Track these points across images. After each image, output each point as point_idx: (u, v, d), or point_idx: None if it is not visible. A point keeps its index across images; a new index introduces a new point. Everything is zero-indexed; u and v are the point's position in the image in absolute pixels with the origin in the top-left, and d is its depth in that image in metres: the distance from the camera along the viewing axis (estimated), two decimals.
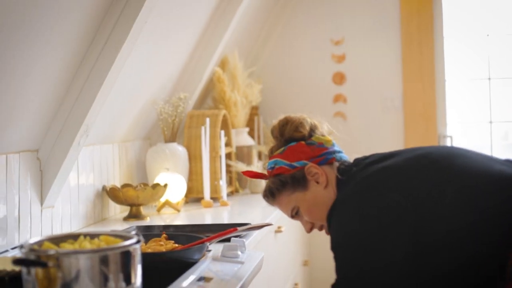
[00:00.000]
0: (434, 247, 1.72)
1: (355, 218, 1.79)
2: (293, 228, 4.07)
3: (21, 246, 1.57)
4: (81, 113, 2.44)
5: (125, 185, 3.00)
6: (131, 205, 3.00)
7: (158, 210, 3.21)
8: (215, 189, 3.52)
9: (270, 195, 2.03)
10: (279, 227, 3.34)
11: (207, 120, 3.43)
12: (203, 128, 3.39)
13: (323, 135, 2.05)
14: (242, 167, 3.82)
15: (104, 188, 3.01)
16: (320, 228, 2.06)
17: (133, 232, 1.67)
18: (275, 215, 3.17)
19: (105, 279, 1.53)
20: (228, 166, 3.82)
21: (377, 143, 4.72)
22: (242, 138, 4.11)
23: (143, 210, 3.06)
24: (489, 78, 4.82)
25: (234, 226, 2.28)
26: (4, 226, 2.26)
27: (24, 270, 1.55)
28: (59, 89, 2.37)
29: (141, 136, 3.52)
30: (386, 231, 1.74)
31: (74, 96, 2.43)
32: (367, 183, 1.83)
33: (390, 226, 1.74)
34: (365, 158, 1.99)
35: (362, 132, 4.83)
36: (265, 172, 2.08)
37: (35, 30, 2.00)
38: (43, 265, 1.50)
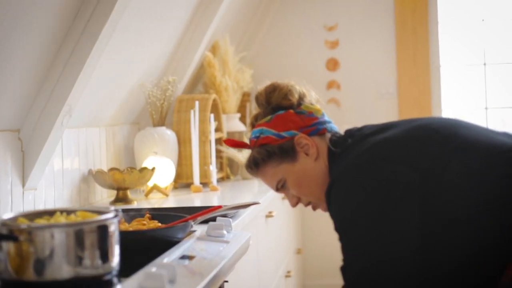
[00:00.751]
0: (443, 220, 1.63)
1: (360, 192, 1.68)
2: (285, 215, 4.01)
3: None
4: (63, 92, 2.37)
5: (112, 169, 2.93)
6: (117, 189, 2.93)
7: (146, 195, 3.14)
8: (205, 174, 3.45)
9: (254, 165, 1.92)
10: (270, 212, 3.28)
11: (197, 103, 3.36)
12: (192, 111, 3.33)
13: (312, 104, 1.94)
14: (233, 152, 3.75)
15: (90, 172, 2.94)
16: (307, 204, 1.96)
17: (112, 208, 1.60)
18: (265, 199, 3.11)
19: (80, 256, 1.46)
20: (219, 151, 3.76)
21: None
22: (234, 123, 4.04)
23: (130, 194, 3.00)
24: (485, 64, 4.76)
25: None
26: None
27: None
28: (41, 66, 2.30)
29: (129, 121, 3.45)
30: (395, 204, 1.64)
31: (57, 74, 2.36)
32: (370, 155, 1.72)
33: (399, 199, 1.64)
34: (359, 129, 1.90)
35: (356, 118, 4.76)
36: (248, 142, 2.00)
37: (14, 5, 1.93)
38: (14, 239, 1.43)
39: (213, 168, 3.43)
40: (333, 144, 1.85)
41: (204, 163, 3.44)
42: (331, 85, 4.80)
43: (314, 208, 1.95)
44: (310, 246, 4.82)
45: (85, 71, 2.37)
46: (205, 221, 2.07)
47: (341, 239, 1.72)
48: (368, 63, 4.75)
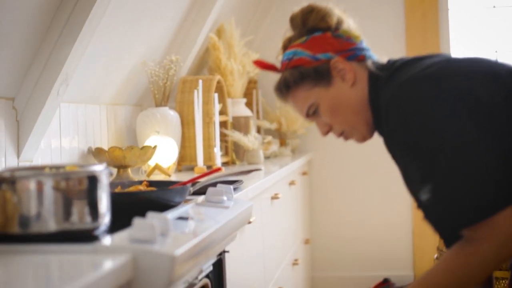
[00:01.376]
0: None
1: (438, 99, 1.54)
2: (292, 202, 3.92)
3: None
4: (59, 59, 2.29)
5: (112, 146, 2.85)
6: (118, 166, 2.84)
7: (148, 175, 3.04)
8: (209, 157, 3.36)
9: (285, 88, 1.80)
10: (275, 194, 3.18)
11: (200, 82, 3.27)
12: (195, 91, 3.24)
13: (350, 30, 1.81)
14: (239, 136, 3.66)
15: (89, 149, 2.86)
16: (339, 134, 1.81)
17: (104, 165, 1.51)
18: (270, 180, 3.02)
19: (68, 210, 1.37)
20: (224, 135, 3.67)
21: None
22: (239, 108, 3.95)
23: (132, 173, 2.91)
24: (496, 51, 4.66)
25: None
26: None
27: None
28: (36, 32, 2.22)
29: (132, 102, 3.36)
30: (476, 113, 1.51)
31: (53, 40, 2.28)
32: (439, 69, 1.59)
33: (477, 110, 1.52)
34: (400, 59, 1.77)
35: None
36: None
37: None
38: None
39: (217, 150, 3.33)
40: (379, 68, 1.73)
41: (208, 145, 3.35)
42: None
43: (347, 138, 1.80)
44: (319, 237, 4.73)
45: (82, 38, 2.29)
46: (206, 188, 1.98)
47: (416, 146, 1.56)
48: (377, 48, 4.60)
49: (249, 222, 2.39)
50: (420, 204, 1.60)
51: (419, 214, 1.67)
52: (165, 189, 1.80)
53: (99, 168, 1.43)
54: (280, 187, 3.38)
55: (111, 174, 1.51)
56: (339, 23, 1.81)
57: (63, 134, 2.66)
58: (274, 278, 3.13)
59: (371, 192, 4.73)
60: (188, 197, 1.95)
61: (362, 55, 1.76)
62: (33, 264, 1.24)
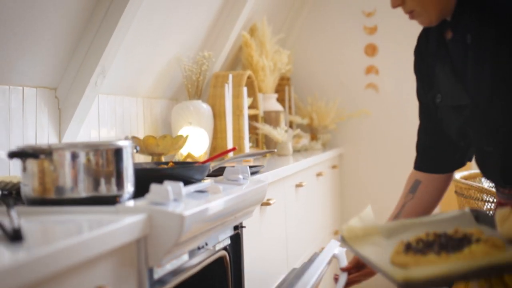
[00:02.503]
0: None
1: None
2: (320, 193, 4.09)
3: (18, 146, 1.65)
4: (97, 52, 2.53)
5: (147, 135, 3.07)
6: (151, 154, 3.06)
7: None
8: (239, 147, 3.57)
9: None
10: (300, 183, 3.37)
11: (230, 76, 3.48)
12: (226, 85, 3.45)
13: None
14: (269, 129, 3.86)
15: (126, 138, 3.08)
16: (409, 11, 1.82)
17: (129, 140, 1.72)
18: (296, 169, 3.21)
19: (97, 179, 1.59)
20: (255, 128, 3.87)
21: (409, 114, 4.70)
22: (270, 103, 4.15)
23: (165, 160, 3.13)
24: None
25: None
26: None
27: (21, 168, 1.62)
28: (76, 27, 2.46)
29: (167, 96, 3.59)
30: None
31: (91, 35, 2.52)
32: None
33: None
34: None
35: (394, 103, 4.83)
36: None
37: None
38: (35, 156, 1.57)
39: (246, 141, 3.54)
40: None
41: (238, 136, 3.56)
42: (369, 70, 4.87)
43: (413, 18, 1.83)
44: None
45: (118, 32, 2.52)
46: (224, 169, 2.19)
47: None
48: (406, 48, 4.77)
49: (269, 204, 2.59)
50: None
51: (447, 200, 1.85)
52: (186, 166, 2.01)
53: (124, 142, 1.65)
54: (306, 177, 3.56)
55: (135, 148, 1.72)
56: None
57: (102, 125, 2.89)
58: (297, 262, 3.31)
59: (401, 186, 4.86)
60: (210, 177, 2.16)
61: None
62: (65, 220, 1.45)
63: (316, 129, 4.78)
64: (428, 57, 1.94)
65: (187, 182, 1.95)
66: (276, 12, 4.57)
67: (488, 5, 1.74)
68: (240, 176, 2.11)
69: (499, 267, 1.32)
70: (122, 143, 1.64)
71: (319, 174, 3.98)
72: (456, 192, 3.53)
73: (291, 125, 4.68)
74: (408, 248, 1.45)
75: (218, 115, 3.59)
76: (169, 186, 1.54)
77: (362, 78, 4.89)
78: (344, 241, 1.61)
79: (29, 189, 1.61)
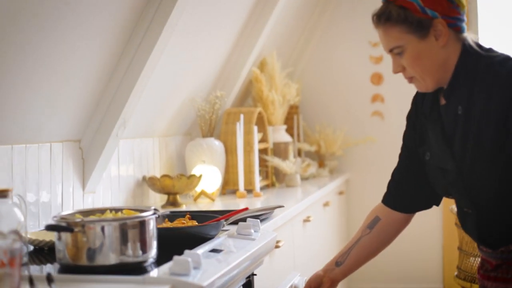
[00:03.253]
0: None
1: None
2: (327, 223, 4.27)
3: (54, 217, 1.85)
4: (118, 107, 2.71)
5: (163, 175, 3.26)
6: (168, 193, 3.26)
7: (195, 200, 3.46)
8: (250, 181, 3.75)
9: (385, 19, 1.93)
10: (307, 217, 3.55)
11: (241, 116, 3.67)
12: (237, 123, 3.64)
13: None
14: (278, 162, 4.05)
15: (144, 178, 3.28)
16: (409, 77, 1.98)
17: (152, 208, 1.91)
18: (302, 204, 3.39)
19: (124, 246, 1.78)
20: (264, 160, 4.06)
21: None
22: (279, 135, 4.33)
23: (180, 198, 3.32)
24: None
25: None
26: (48, 209, 2.54)
27: (56, 236, 1.81)
28: (99, 83, 2.65)
29: (181, 132, 3.78)
30: None
31: (113, 90, 2.71)
32: None
33: None
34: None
35: (400, 131, 4.97)
36: None
37: (77, 25, 2.28)
38: (70, 230, 1.76)
39: (256, 175, 3.73)
40: (477, 45, 1.95)
41: (249, 171, 3.75)
42: (375, 98, 5.05)
43: (411, 82, 1.99)
44: None
45: (137, 88, 2.71)
46: (237, 222, 2.37)
47: None
48: None
49: (278, 247, 2.77)
50: None
51: (449, 229, 2.02)
52: (202, 224, 2.20)
53: (148, 214, 1.84)
54: (313, 209, 3.74)
55: (158, 216, 1.91)
56: None
57: (121, 165, 3.08)
58: None
59: None
60: (224, 228, 2.34)
61: (459, 27, 1.94)
62: None
63: (324, 156, 4.96)
64: (422, 114, 2.09)
65: (204, 239, 2.14)
66: (285, 44, 4.75)
67: (479, 82, 1.90)
68: (252, 231, 2.29)
69: None
70: (147, 215, 1.83)
71: (325, 204, 4.16)
72: (456, 224, 3.70)
73: (299, 152, 4.86)
74: None
75: (230, 151, 3.77)
76: (189, 258, 1.73)
77: (368, 106, 5.07)
78: None
79: (63, 255, 1.80)
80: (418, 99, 2.13)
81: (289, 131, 4.69)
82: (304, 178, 4.51)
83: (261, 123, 4.04)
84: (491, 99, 1.86)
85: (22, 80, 2.20)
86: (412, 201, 2.19)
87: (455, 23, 1.92)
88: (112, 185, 3.01)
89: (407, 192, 2.18)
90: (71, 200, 2.68)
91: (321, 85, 5.12)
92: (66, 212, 1.93)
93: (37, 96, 2.33)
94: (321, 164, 4.95)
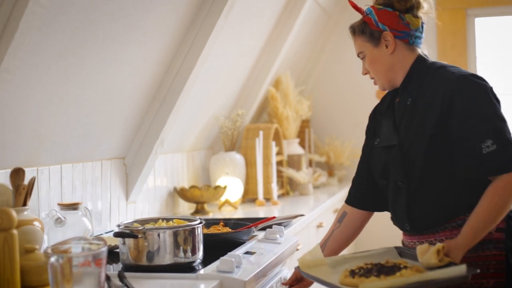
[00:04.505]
0: None
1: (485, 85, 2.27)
2: None
3: (118, 225, 2.25)
4: (158, 128, 3.13)
5: (192, 187, 3.66)
6: (196, 202, 3.66)
7: (219, 208, 3.86)
8: (268, 191, 4.16)
9: (352, 31, 2.39)
10: (320, 223, 3.95)
11: (261, 133, 4.07)
12: (257, 139, 4.04)
13: (416, 17, 2.38)
14: (292, 173, 4.45)
15: (175, 189, 3.68)
16: (372, 78, 2.40)
17: (197, 218, 2.32)
18: (317, 211, 3.79)
19: (177, 249, 2.18)
20: (280, 171, 4.46)
21: None
22: (293, 147, 4.74)
23: (207, 207, 3.72)
24: None
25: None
26: (100, 217, 2.94)
27: (120, 241, 2.22)
28: (141, 110, 3.05)
29: (205, 146, 4.18)
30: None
31: (153, 114, 3.12)
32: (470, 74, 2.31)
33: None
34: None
35: None
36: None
37: (125, 61, 2.69)
38: (135, 236, 2.16)
39: (274, 186, 4.13)
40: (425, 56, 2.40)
41: (267, 182, 4.15)
42: None
43: (375, 83, 2.42)
44: None
45: (174, 112, 3.12)
46: (264, 228, 2.78)
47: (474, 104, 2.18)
48: None
49: (297, 250, 3.17)
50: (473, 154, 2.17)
51: None
52: (237, 231, 2.61)
53: (196, 222, 2.24)
54: (325, 216, 4.14)
55: (201, 223, 2.30)
56: (413, 7, 2.39)
57: (156, 177, 3.49)
58: None
59: None
60: (253, 233, 2.75)
61: (407, 39, 2.37)
62: (156, 286, 2.04)
63: (333, 166, 5.36)
64: (379, 114, 2.50)
65: (238, 243, 2.54)
66: (296, 64, 5.16)
67: (427, 81, 2.33)
68: (278, 236, 2.70)
69: (422, 284, 1.90)
70: (195, 224, 2.23)
71: (336, 211, 4.55)
72: None
73: (310, 163, 5.26)
74: (353, 273, 2.04)
75: (249, 164, 4.18)
76: (233, 258, 2.13)
77: None
78: (300, 269, 2.17)
79: (127, 257, 2.21)
80: (378, 106, 2.54)
81: (301, 143, 5.09)
82: (315, 187, 4.91)
83: (277, 137, 4.45)
84: (436, 93, 2.26)
85: (81, 109, 2.61)
86: (366, 200, 2.55)
87: (402, 36, 2.34)
88: (149, 195, 3.42)
89: (364, 193, 2.55)
90: (117, 209, 3.08)
91: (330, 100, 5.52)
92: (126, 221, 2.34)
93: (92, 122, 2.73)
94: (331, 174, 5.34)
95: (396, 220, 2.41)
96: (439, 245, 2.00)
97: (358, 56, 2.41)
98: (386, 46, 2.34)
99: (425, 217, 2.26)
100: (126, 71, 2.75)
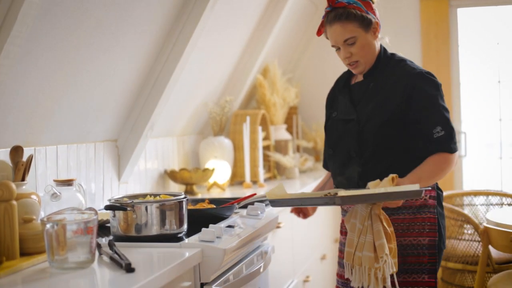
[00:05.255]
0: None
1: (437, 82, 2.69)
2: (323, 210, 4.86)
3: (109, 200, 2.44)
4: (148, 113, 3.32)
5: (182, 169, 3.86)
6: (186, 184, 3.86)
7: (208, 189, 4.06)
8: (254, 174, 4.35)
9: (345, 16, 2.62)
10: None
11: (248, 118, 4.27)
12: (244, 124, 4.23)
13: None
14: (279, 157, 4.65)
15: (165, 171, 3.87)
16: (353, 61, 2.66)
17: (182, 193, 2.51)
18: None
19: (163, 222, 2.38)
20: (267, 156, 4.65)
21: None
22: (280, 133, 4.93)
23: (196, 188, 3.92)
24: (499, 82, 5.52)
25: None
26: (93, 196, 3.13)
27: (111, 214, 2.41)
28: (132, 95, 3.25)
29: (195, 131, 4.38)
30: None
31: (143, 100, 3.31)
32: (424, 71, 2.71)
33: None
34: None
35: None
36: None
37: (121, 50, 2.88)
38: (124, 209, 2.36)
39: (260, 169, 4.33)
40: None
41: (254, 165, 4.35)
42: None
43: (353, 66, 2.68)
44: None
45: (163, 98, 3.31)
46: (247, 205, 2.97)
47: (432, 103, 2.61)
48: None
49: (279, 227, 3.37)
50: (424, 137, 2.59)
51: None
52: (220, 207, 2.80)
53: (181, 197, 2.44)
54: None
55: (186, 197, 2.50)
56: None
57: (147, 160, 3.68)
58: (302, 269, 4.10)
59: None
60: (236, 210, 2.94)
61: (380, 29, 2.72)
62: (144, 254, 2.23)
63: (320, 151, 5.55)
64: (337, 91, 2.87)
65: (221, 218, 2.74)
66: (284, 53, 5.35)
67: (390, 69, 2.70)
68: (259, 212, 2.90)
69: (388, 195, 2.35)
70: (180, 198, 2.43)
71: None
72: None
73: (298, 148, 5.46)
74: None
75: (237, 148, 4.37)
76: (214, 229, 2.33)
77: None
78: (271, 201, 2.48)
79: (117, 229, 2.40)
80: (338, 81, 2.93)
81: (289, 129, 5.28)
82: (302, 171, 5.11)
83: (264, 123, 4.64)
84: (399, 84, 2.65)
85: (76, 93, 2.80)
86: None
87: (380, 25, 2.69)
88: (141, 177, 3.61)
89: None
90: (109, 188, 3.28)
91: (317, 88, 5.71)
92: (116, 196, 2.53)
93: (86, 106, 2.92)
94: (318, 159, 5.54)
95: (347, 183, 2.72)
96: (392, 175, 2.42)
97: (344, 42, 2.65)
98: (373, 33, 2.66)
99: (363, 179, 2.63)
100: (118, 58, 2.94)
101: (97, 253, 2.19)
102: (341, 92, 2.80)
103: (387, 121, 2.61)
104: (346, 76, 2.85)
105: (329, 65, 5.71)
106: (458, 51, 5.52)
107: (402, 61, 2.71)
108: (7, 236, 2.09)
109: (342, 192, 2.31)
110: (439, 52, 5.46)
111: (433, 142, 2.58)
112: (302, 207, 2.85)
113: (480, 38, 5.59)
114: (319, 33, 2.79)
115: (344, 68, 5.65)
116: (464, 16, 5.55)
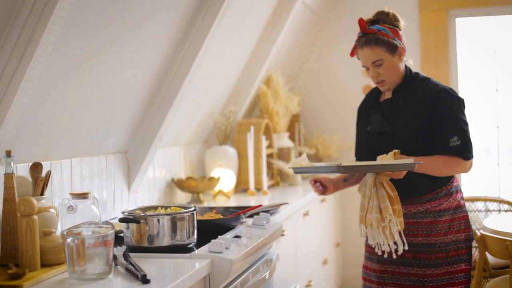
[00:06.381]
0: None
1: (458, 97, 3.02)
2: (324, 215, 5.00)
3: (123, 212, 2.58)
4: (157, 125, 3.45)
5: (188, 178, 3.99)
6: (192, 192, 3.99)
7: (213, 197, 4.20)
8: (258, 182, 4.49)
9: (374, 41, 2.94)
10: (307, 211, 4.28)
11: (252, 127, 4.40)
12: (248, 134, 4.37)
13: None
14: (282, 164, 4.78)
15: (172, 180, 4.01)
16: (381, 81, 3.00)
17: (192, 206, 2.65)
18: (304, 200, 4.12)
19: (174, 232, 2.51)
20: (270, 163, 4.79)
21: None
22: (283, 141, 5.07)
23: (202, 196, 4.05)
24: (497, 90, 5.65)
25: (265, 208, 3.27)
26: (105, 205, 3.27)
27: (125, 226, 2.54)
28: (142, 109, 3.38)
29: (201, 140, 4.51)
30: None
31: (152, 113, 3.44)
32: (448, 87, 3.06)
33: None
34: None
35: None
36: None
37: (127, 62, 3.02)
38: (138, 222, 2.49)
39: (264, 177, 4.46)
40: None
41: (258, 173, 4.48)
42: None
43: (380, 84, 3.01)
44: (350, 240, 5.80)
45: (172, 111, 3.45)
46: (253, 215, 3.11)
47: (454, 115, 2.93)
48: None
49: (283, 235, 3.50)
50: (443, 145, 2.91)
51: None
52: (227, 217, 2.94)
53: (191, 210, 2.57)
54: (312, 205, 4.48)
55: (195, 210, 2.63)
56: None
57: (155, 169, 3.82)
58: (304, 274, 4.23)
59: None
60: (242, 220, 3.08)
61: (405, 53, 3.04)
62: (157, 265, 2.37)
63: (322, 158, 5.69)
64: (370, 107, 3.15)
65: (228, 228, 2.88)
66: (287, 62, 5.48)
67: (417, 86, 3.02)
68: (264, 222, 3.03)
69: (385, 167, 2.77)
70: (190, 210, 2.56)
71: (323, 201, 4.89)
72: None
73: (300, 155, 5.59)
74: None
75: (242, 156, 4.51)
76: (222, 241, 2.46)
77: None
78: (293, 169, 2.92)
79: (130, 239, 2.54)
80: (368, 97, 3.21)
81: (291, 137, 5.42)
82: (304, 178, 5.24)
83: (268, 132, 4.78)
84: (425, 99, 2.97)
85: (89, 108, 2.94)
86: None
87: (405, 50, 3.02)
88: (149, 186, 3.75)
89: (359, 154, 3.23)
90: (120, 198, 3.41)
91: (318, 96, 5.84)
92: (129, 208, 2.67)
93: (99, 120, 3.06)
94: None
95: None
96: (395, 150, 2.81)
97: (372, 64, 2.96)
98: (399, 56, 2.97)
99: (408, 189, 2.98)
100: (128, 74, 3.08)
101: (113, 264, 2.33)
102: (373, 109, 3.10)
103: (417, 131, 2.93)
104: (376, 94, 3.14)
105: (330, 74, 5.85)
106: (457, 60, 5.65)
107: (427, 79, 3.05)
108: (29, 249, 2.22)
109: (345, 163, 2.76)
110: (438, 61, 5.59)
111: (449, 149, 2.89)
112: (325, 183, 3.20)
113: (478, 48, 5.72)
114: (352, 54, 3.09)
115: (344, 82, 5.80)
116: (463, 26, 5.69)
